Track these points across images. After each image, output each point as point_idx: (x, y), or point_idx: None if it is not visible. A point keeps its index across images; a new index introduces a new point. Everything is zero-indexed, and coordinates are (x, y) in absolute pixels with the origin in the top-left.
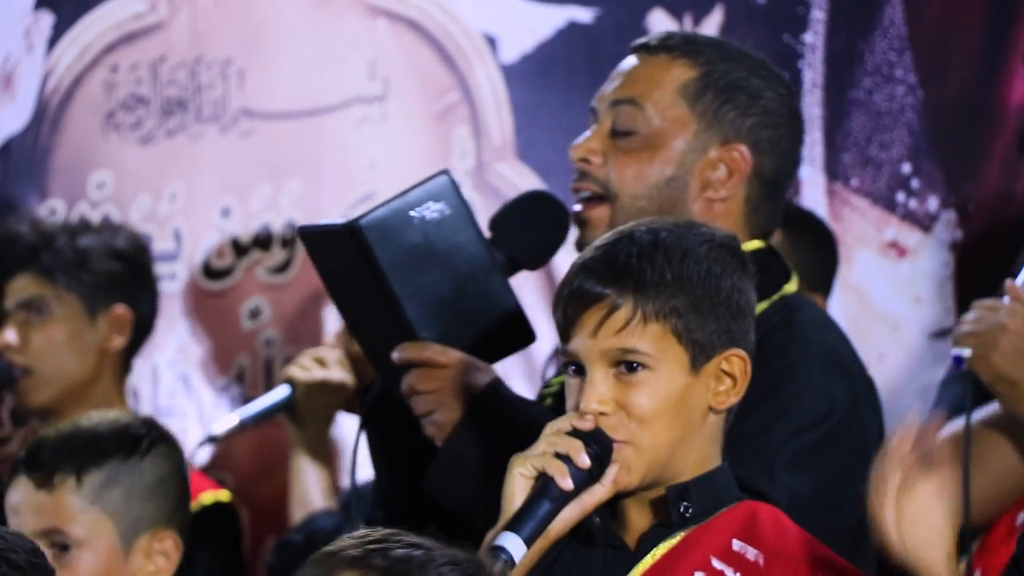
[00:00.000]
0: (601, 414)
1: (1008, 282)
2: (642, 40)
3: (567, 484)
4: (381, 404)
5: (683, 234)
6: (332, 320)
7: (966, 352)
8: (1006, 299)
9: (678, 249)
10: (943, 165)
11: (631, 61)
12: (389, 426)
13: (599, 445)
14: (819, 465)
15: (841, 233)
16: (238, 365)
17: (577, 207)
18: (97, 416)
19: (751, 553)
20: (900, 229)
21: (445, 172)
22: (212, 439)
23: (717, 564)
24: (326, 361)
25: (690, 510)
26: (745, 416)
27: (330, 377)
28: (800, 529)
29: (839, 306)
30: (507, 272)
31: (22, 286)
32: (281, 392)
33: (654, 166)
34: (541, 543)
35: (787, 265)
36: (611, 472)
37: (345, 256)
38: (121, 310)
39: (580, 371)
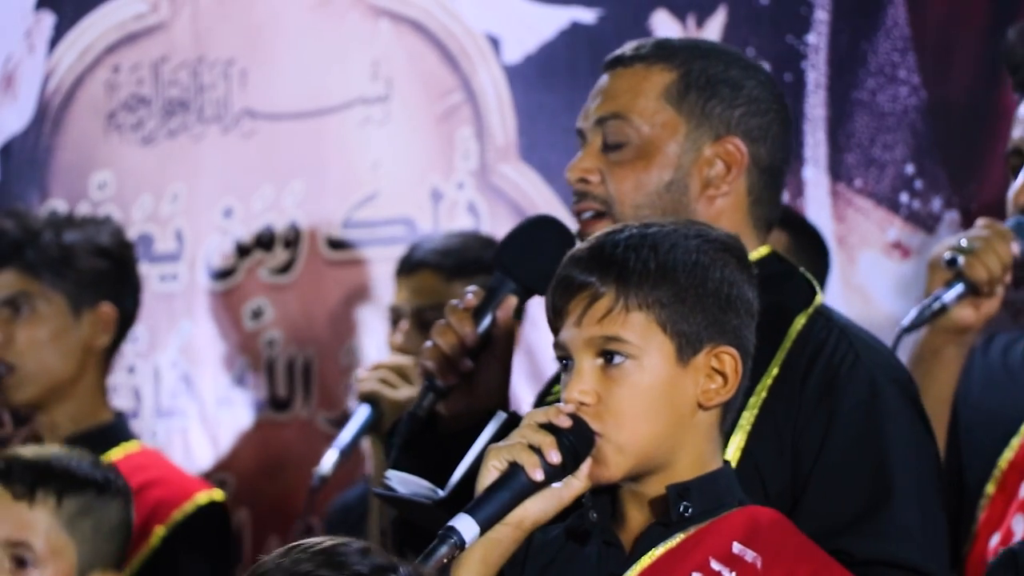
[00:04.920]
0: (582, 404)
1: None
2: (613, 54)
3: (538, 476)
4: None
5: (675, 229)
6: (333, 322)
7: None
8: None
9: (666, 241)
10: (946, 166)
11: (607, 77)
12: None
13: (577, 437)
14: (935, 502)
15: (845, 234)
16: (240, 366)
17: (581, 226)
18: (68, 451)
19: (749, 555)
20: (903, 230)
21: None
22: (324, 480)
23: (715, 565)
24: (409, 375)
25: (690, 510)
26: (862, 482)
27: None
28: (802, 534)
29: (842, 307)
30: (521, 299)
31: (6, 282)
32: (363, 413)
33: (651, 173)
34: (515, 533)
35: (801, 271)
36: (585, 467)
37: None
38: (107, 308)
39: (570, 367)
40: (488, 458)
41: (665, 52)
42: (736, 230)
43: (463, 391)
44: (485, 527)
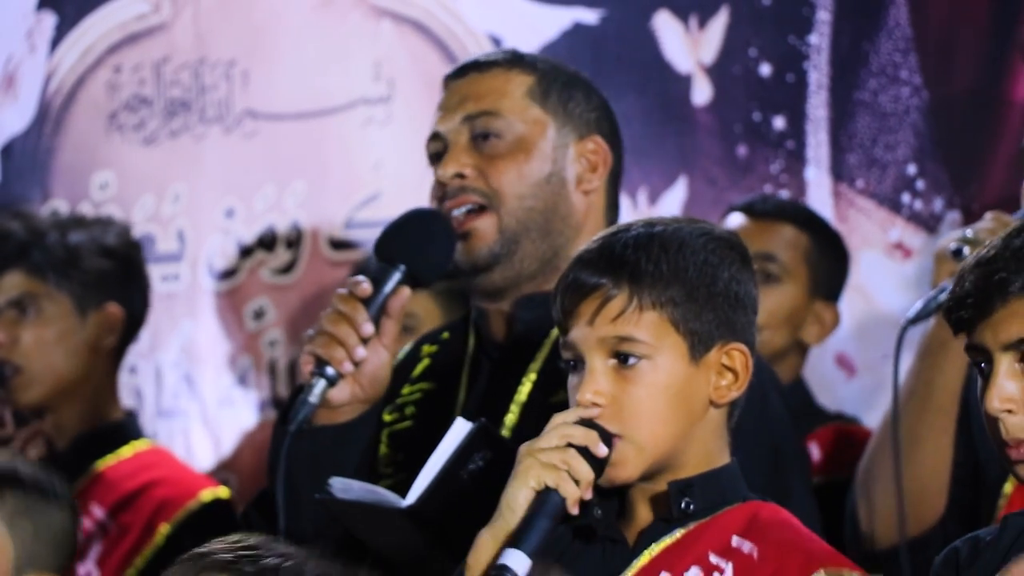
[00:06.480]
0: (596, 405)
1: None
2: (464, 62)
3: (584, 495)
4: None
5: (680, 227)
6: None
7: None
8: None
9: (674, 240)
10: (948, 166)
11: (461, 83)
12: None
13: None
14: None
15: (847, 234)
16: (242, 366)
17: (458, 222)
18: (19, 457)
19: (746, 546)
20: (905, 230)
21: (477, 422)
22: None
23: (714, 559)
24: None
25: (691, 506)
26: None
27: None
28: (801, 526)
29: (844, 307)
30: (411, 287)
31: (12, 284)
32: None
33: (532, 165)
34: None
35: None
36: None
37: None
38: (113, 309)
39: (579, 367)
40: (526, 473)
41: (518, 58)
42: (600, 228)
43: (348, 380)
44: (535, 557)
